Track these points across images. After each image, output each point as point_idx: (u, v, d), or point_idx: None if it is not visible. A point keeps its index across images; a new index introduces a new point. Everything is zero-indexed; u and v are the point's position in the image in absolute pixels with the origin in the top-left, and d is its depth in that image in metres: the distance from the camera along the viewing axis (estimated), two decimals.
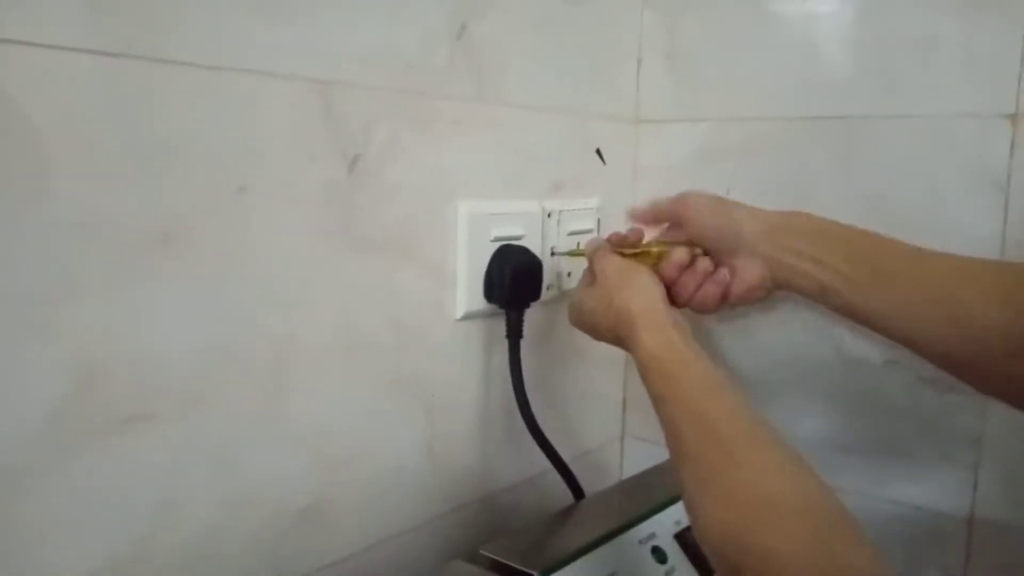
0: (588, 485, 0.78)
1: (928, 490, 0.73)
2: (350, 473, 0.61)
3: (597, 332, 0.64)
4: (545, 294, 0.76)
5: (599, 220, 0.82)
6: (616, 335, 0.60)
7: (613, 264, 0.63)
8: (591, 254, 0.67)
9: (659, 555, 0.65)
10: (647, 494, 0.72)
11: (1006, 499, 0.70)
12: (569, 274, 0.78)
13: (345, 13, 0.56)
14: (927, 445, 0.73)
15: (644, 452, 0.90)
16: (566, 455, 0.75)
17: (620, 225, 0.87)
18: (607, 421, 0.90)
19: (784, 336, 0.79)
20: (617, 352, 0.89)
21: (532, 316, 0.72)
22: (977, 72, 0.68)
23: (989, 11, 0.67)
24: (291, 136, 0.54)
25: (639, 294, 0.59)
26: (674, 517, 0.69)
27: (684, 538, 0.68)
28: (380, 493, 0.64)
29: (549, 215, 0.75)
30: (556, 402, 0.81)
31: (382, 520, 0.64)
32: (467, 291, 0.68)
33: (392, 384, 0.64)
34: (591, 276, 0.66)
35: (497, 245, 0.69)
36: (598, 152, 0.82)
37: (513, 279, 0.69)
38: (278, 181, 0.54)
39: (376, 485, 0.63)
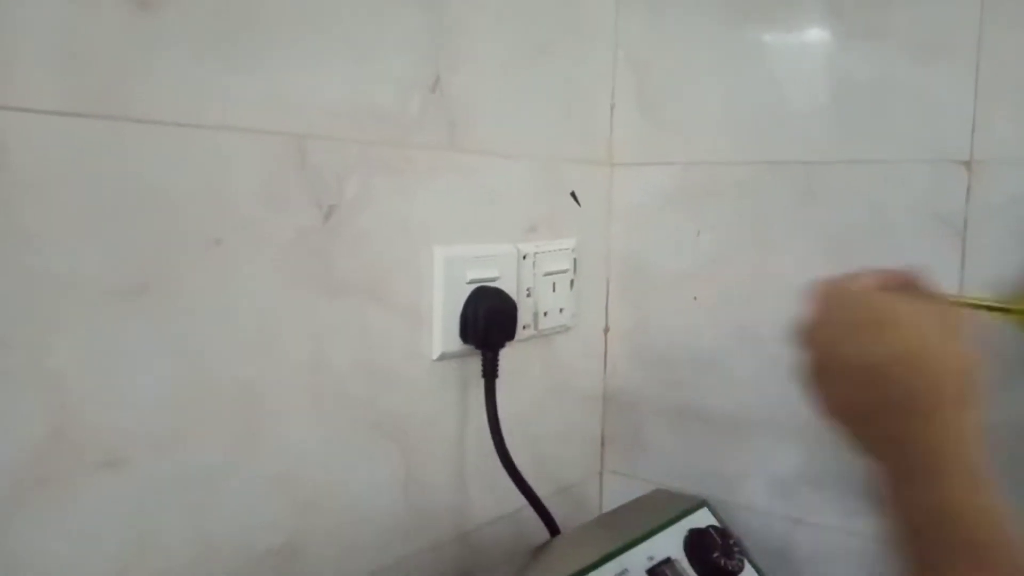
0: (567, 520, 0.79)
1: None
2: (324, 512, 0.63)
3: (853, 402, 0.42)
4: (521, 333, 0.78)
5: (575, 260, 0.84)
6: (893, 422, 0.39)
7: (953, 318, 0.41)
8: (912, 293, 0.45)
9: None
10: (621, 530, 0.73)
11: None
12: (546, 314, 0.81)
13: (317, 69, 0.59)
14: None
15: (623, 486, 0.91)
16: (544, 491, 0.76)
17: (597, 265, 0.89)
18: (586, 457, 0.91)
19: (755, 373, 0.81)
20: (594, 388, 0.92)
21: (510, 355, 0.74)
22: (932, 118, 0.71)
23: (943, 59, 0.70)
24: (266, 188, 0.56)
25: (973, 389, 0.37)
26: (647, 552, 0.71)
27: (656, 573, 0.69)
28: (354, 531, 0.65)
29: (524, 257, 0.78)
30: (534, 439, 0.83)
31: (357, 558, 0.65)
32: (443, 332, 0.70)
33: (366, 424, 0.66)
34: (875, 318, 0.43)
35: (473, 287, 0.71)
36: (573, 195, 0.85)
37: (488, 320, 0.71)
38: (254, 232, 0.56)
39: (350, 524, 0.65)
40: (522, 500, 0.75)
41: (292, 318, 0.59)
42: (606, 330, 0.92)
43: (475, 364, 0.72)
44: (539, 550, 0.70)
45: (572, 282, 0.84)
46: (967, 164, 0.70)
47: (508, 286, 0.75)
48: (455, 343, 0.71)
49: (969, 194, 0.70)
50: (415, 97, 0.66)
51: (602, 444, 0.93)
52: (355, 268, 0.63)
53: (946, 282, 0.71)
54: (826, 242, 0.77)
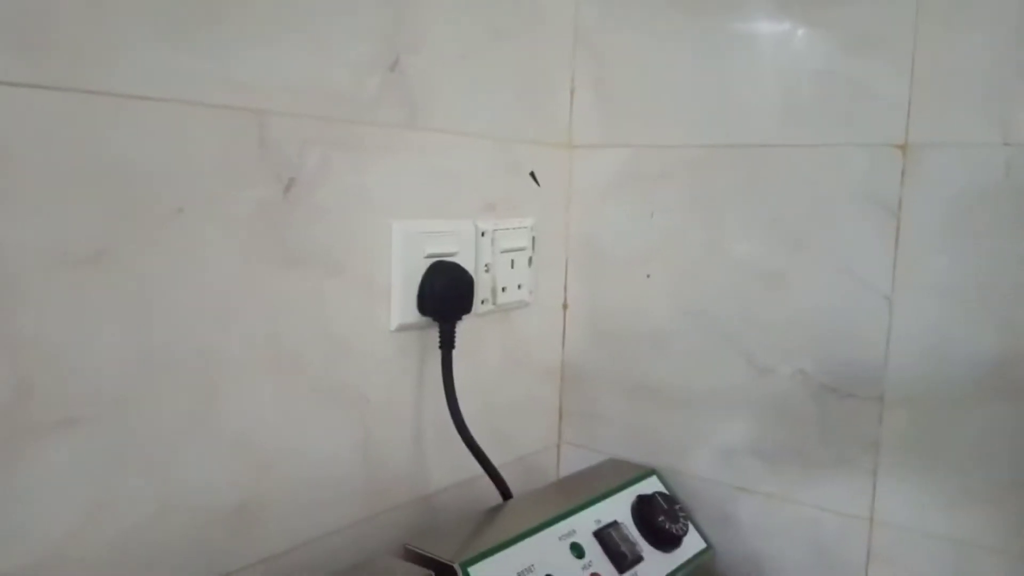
0: (524, 489, 0.82)
1: (831, 492, 0.78)
2: (282, 475, 0.65)
3: None
4: (480, 308, 0.81)
5: (534, 238, 0.87)
6: None
7: None
8: None
9: (577, 551, 0.70)
10: (571, 495, 0.77)
11: (903, 502, 0.75)
12: (504, 289, 0.84)
13: (277, 47, 0.61)
14: (829, 449, 0.78)
15: (580, 457, 0.95)
16: (503, 460, 0.80)
17: (556, 244, 0.92)
18: (544, 429, 0.95)
19: (704, 348, 0.85)
20: (552, 363, 0.96)
21: (470, 328, 0.77)
22: (870, 105, 0.75)
23: (881, 49, 0.74)
24: (226, 161, 0.59)
25: None
26: (595, 516, 0.74)
27: (603, 535, 0.73)
28: (312, 493, 0.68)
29: (483, 234, 0.80)
30: (493, 410, 0.86)
31: (316, 519, 0.68)
32: (401, 304, 0.73)
33: (324, 391, 0.68)
34: None
35: (430, 261, 0.74)
36: (532, 175, 0.88)
37: (444, 293, 0.73)
38: (215, 203, 0.58)
39: (308, 486, 0.68)
40: (479, 468, 0.78)
41: (251, 287, 0.62)
42: (564, 307, 0.95)
43: (433, 336, 0.75)
44: (490, 512, 0.73)
45: (530, 260, 0.87)
46: (902, 148, 0.74)
47: (466, 261, 0.77)
48: (413, 315, 0.73)
49: (904, 177, 0.74)
50: (374, 76, 0.69)
51: (560, 416, 0.96)
52: (314, 240, 0.66)
53: (880, 261, 0.75)
54: (771, 222, 0.80)
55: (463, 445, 0.76)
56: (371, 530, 0.72)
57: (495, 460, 0.78)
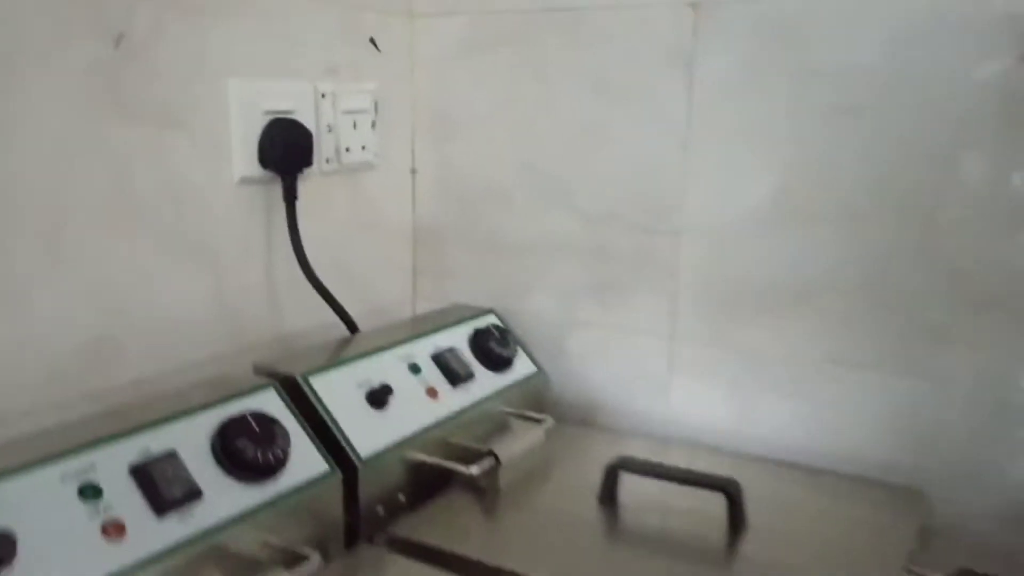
0: None
1: (641, 318, 0.91)
2: (136, 316, 0.72)
3: None
4: (325, 167, 0.87)
5: (376, 103, 0.93)
6: None
7: None
8: None
9: (415, 369, 0.80)
10: (413, 328, 0.86)
11: (699, 321, 0.88)
12: (348, 149, 0.90)
13: None
14: (640, 281, 0.90)
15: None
16: (356, 311, 0.88)
17: (403, 110, 0.98)
18: (399, 285, 1.03)
19: (538, 201, 0.95)
20: (404, 225, 1.04)
21: (317, 188, 0.84)
22: None
23: None
24: (53, 15, 0.62)
25: None
26: (433, 343, 0.84)
27: (439, 357, 0.83)
28: (168, 333, 0.75)
29: (324, 95, 0.86)
30: (348, 266, 0.93)
31: (175, 356, 0.75)
32: (242, 159, 0.78)
33: (172, 241, 0.74)
34: None
35: (270, 118, 0.80)
36: (372, 41, 0.93)
37: (284, 147, 0.80)
38: (44, 58, 0.62)
39: (163, 327, 0.74)
40: (335, 315, 0.87)
41: (91, 140, 0.66)
42: (413, 171, 1.02)
43: (279, 192, 0.82)
44: (338, 341, 0.82)
45: (374, 123, 0.93)
46: (694, 6, 0.83)
47: (307, 121, 0.83)
48: (255, 169, 0.79)
49: (695, 33, 0.83)
50: None
51: (414, 274, 1.05)
52: (152, 96, 0.70)
53: (679, 109, 0.85)
54: (592, 80, 0.89)
55: (317, 294, 0.84)
56: (227, 362, 0.80)
57: (353, 316, 0.87)
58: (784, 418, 0.84)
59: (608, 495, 0.73)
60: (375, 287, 0.99)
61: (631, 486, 0.73)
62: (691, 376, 0.89)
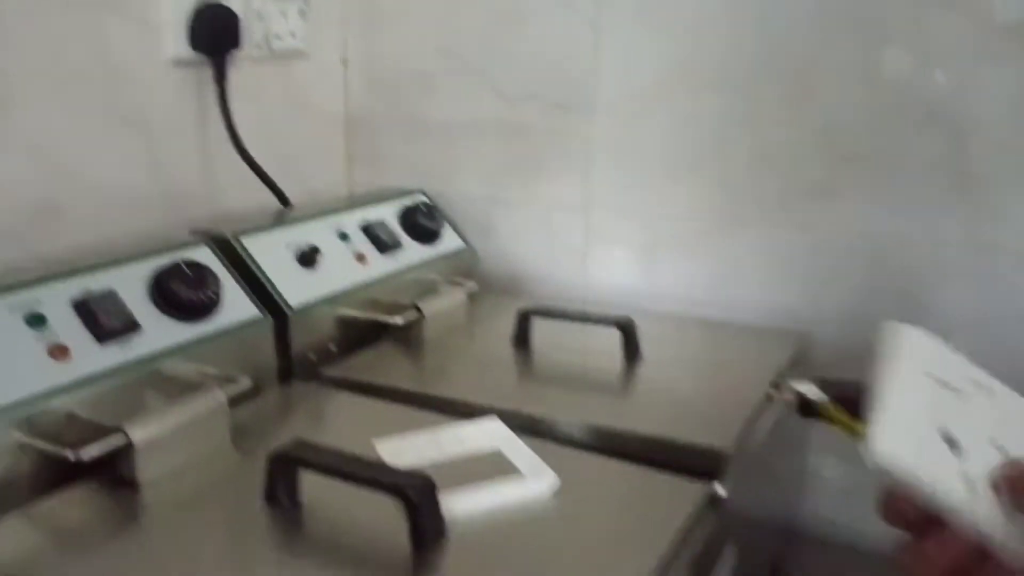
0: None
1: (558, 191, 0.98)
2: (77, 178, 0.77)
3: None
4: (255, 53, 0.92)
5: None
6: None
7: None
8: None
9: (345, 238, 0.86)
10: (344, 203, 0.92)
11: (609, 190, 0.95)
12: (278, 36, 0.94)
13: None
14: (557, 158, 0.97)
15: None
16: (293, 197, 0.93)
17: (333, 4, 1.01)
18: (335, 173, 1.09)
19: (458, 84, 1.00)
20: (337, 113, 1.08)
21: (248, 74, 0.89)
22: None
23: None
24: None
25: None
26: (363, 216, 0.90)
27: (367, 227, 0.89)
28: (111, 203, 0.80)
29: None
30: (282, 154, 0.97)
31: (116, 223, 0.80)
32: (173, 39, 0.83)
33: (108, 114, 0.79)
34: None
35: (199, 2, 0.84)
36: None
37: (212, 29, 0.84)
38: None
39: (104, 194, 0.79)
40: (272, 197, 0.92)
41: (28, 19, 0.70)
42: (344, 62, 1.07)
43: (211, 74, 0.86)
44: (271, 213, 0.88)
45: (302, 12, 0.97)
46: None
47: (236, 6, 0.87)
48: (185, 50, 0.84)
49: None
50: None
51: (348, 161, 1.11)
52: None
53: (584, 63, 0.91)
54: None
55: (253, 173, 0.90)
56: (165, 230, 0.85)
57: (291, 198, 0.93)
58: (686, 276, 0.92)
59: (521, 338, 0.81)
60: (311, 174, 1.04)
61: (543, 334, 0.81)
62: (605, 245, 0.97)
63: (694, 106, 0.88)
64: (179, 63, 0.84)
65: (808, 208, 0.84)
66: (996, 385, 0.38)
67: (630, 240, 0.95)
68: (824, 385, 0.69)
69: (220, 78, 0.86)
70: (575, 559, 0.50)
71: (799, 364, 0.79)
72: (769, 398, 0.70)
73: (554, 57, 0.94)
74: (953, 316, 0.79)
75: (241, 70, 0.89)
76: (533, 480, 0.56)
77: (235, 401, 0.65)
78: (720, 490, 0.58)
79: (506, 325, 0.82)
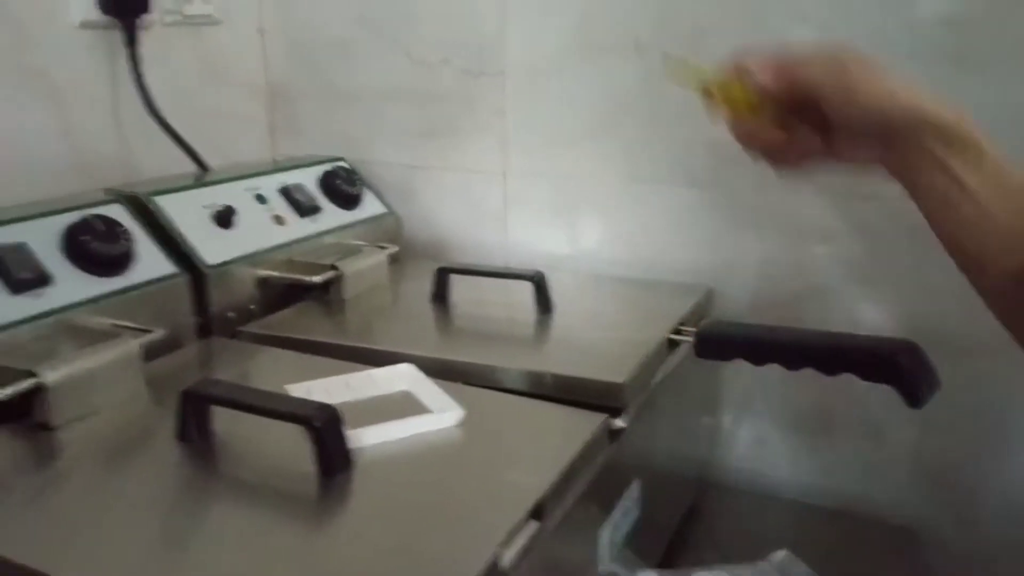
0: None
1: (476, 156, 1.00)
2: None
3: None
4: (167, 18, 0.92)
5: None
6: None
7: None
8: None
9: (261, 199, 0.87)
10: (264, 167, 0.93)
11: (525, 154, 0.98)
12: (189, 1, 0.94)
13: None
14: (473, 122, 1.00)
15: None
16: (215, 165, 0.94)
17: None
18: (255, 143, 1.09)
19: (380, 53, 1.02)
20: (257, 83, 1.09)
21: (161, 39, 0.89)
22: None
23: None
24: None
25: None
26: (282, 180, 0.91)
27: (286, 191, 0.90)
28: (21, 170, 0.79)
29: None
30: (202, 125, 0.97)
31: (25, 189, 0.80)
32: (81, 2, 0.82)
33: (14, 78, 0.78)
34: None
35: None
36: None
37: None
38: None
39: (16, 162, 0.79)
40: (191, 165, 0.92)
41: None
42: (261, 31, 1.07)
43: (122, 38, 0.86)
44: (188, 175, 0.89)
45: None
46: None
47: None
48: (94, 13, 0.83)
49: None
50: None
51: (270, 132, 1.11)
52: None
53: (491, 27, 0.93)
54: None
55: (169, 139, 0.90)
56: (77, 196, 0.85)
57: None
58: (602, 236, 0.96)
59: (440, 294, 0.83)
60: (233, 145, 1.04)
61: (461, 292, 0.83)
62: (523, 207, 1.00)
63: (599, 67, 0.91)
64: (87, 25, 0.84)
65: (708, 166, 0.89)
66: None
67: (547, 202, 0.98)
68: (721, 325, 0.75)
69: (131, 41, 0.86)
70: (477, 481, 0.53)
71: (701, 313, 0.84)
72: (671, 343, 0.75)
73: (463, 22, 0.97)
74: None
75: (154, 35, 0.89)
76: (440, 415, 0.59)
77: (153, 354, 0.66)
78: (618, 422, 0.62)
79: (426, 285, 0.84)
